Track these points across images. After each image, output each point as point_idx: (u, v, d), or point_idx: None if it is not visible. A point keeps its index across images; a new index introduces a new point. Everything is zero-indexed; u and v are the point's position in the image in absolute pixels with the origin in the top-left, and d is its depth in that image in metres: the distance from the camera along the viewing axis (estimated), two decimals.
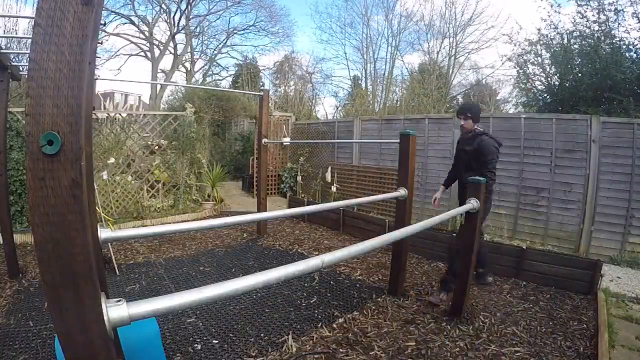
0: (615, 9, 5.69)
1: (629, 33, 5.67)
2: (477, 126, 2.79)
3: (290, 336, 2.11)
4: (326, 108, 19.43)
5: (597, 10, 5.88)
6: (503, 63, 11.94)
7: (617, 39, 5.75)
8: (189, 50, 20.39)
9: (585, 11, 5.99)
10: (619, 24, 5.75)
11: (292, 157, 8.05)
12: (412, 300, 2.70)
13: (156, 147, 5.67)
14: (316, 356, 1.96)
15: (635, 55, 5.59)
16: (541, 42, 6.76)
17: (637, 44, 5.57)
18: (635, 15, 5.54)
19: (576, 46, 6.20)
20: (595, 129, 4.38)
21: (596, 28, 5.93)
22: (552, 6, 6.38)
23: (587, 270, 2.92)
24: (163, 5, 18.77)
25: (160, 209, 5.35)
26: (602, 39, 5.80)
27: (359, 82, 17.99)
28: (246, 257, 3.67)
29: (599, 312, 2.50)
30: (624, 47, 5.67)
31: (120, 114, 5.52)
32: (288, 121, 8.58)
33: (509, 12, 17.37)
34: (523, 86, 7.43)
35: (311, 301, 2.64)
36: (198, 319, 2.32)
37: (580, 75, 5.94)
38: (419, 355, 1.98)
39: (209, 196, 6.22)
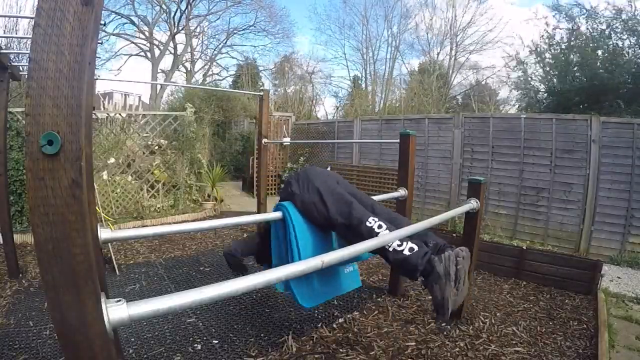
0: (614, 10, 5.73)
1: (623, 39, 5.72)
2: None
3: (290, 336, 2.11)
4: (326, 108, 19.43)
5: (592, 18, 5.94)
6: (505, 65, 11.96)
7: (612, 43, 5.79)
8: (189, 50, 20.39)
9: (580, 17, 6.06)
10: (614, 29, 5.80)
11: (292, 157, 8.05)
12: (412, 300, 2.70)
13: (156, 147, 5.66)
14: (316, 356, 1.96)
15: (632, 56, 5.61)
16: (540, 47, 6.81)
17: (632, 47, 5.60)
18: (628, 21, 5.58)
19: (574, 50, 6.24)
20: (595, 129, 4.38)
21: (593, 32, 5.98)
22: (546, 18, 6.46)
23: (587, 270, 2.92)
24: (163, 6, 18.77)
25: (160, 209, 5.35)
26: (600, 42, 5.83)
27: (359, 82, 18.01)
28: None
29: (599, 312, 2.50)
30: (619, 51, 5.70)
31: (120, 114, 5.52)
32: (288, 121, 8.58)
33: (509, 18, 17.44)
34: (523, 87, 7.46)
35: None
36: (198, 319, 2.32)
37: (578, 78, 5.97)
38: (419, 355, 1.98)
39: (209, 196, 6.21)
